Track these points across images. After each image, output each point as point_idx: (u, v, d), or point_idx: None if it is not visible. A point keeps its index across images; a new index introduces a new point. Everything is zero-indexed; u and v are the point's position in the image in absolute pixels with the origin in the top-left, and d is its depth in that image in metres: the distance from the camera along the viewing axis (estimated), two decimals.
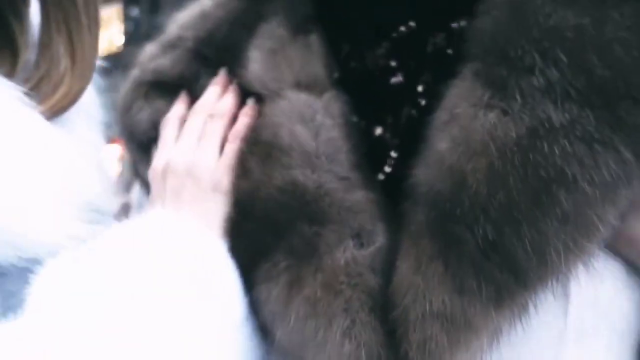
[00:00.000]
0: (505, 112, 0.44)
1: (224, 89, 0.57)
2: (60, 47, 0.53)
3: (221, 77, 0.57)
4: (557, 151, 0.42)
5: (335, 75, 0.54)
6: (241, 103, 0.56)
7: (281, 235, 0.48)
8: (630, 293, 0.48)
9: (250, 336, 0.50)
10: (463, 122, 0.45)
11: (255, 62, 0.55)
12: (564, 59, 0.44)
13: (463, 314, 0.43)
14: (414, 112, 0.51)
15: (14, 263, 0.46)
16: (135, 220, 0.51)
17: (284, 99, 0.52)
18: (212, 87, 0.57)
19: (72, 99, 0.53)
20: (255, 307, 0.49)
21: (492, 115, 0.44)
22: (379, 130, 0.52)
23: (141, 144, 0.59)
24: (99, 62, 0.57)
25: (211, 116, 0.55)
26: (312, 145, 0.50)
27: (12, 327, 0.44)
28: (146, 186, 0.59)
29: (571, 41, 0.44)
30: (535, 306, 0.44)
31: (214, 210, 0.52)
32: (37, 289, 0.46)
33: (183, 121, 0.57)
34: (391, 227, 0.48)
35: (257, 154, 0.51)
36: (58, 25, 0.52)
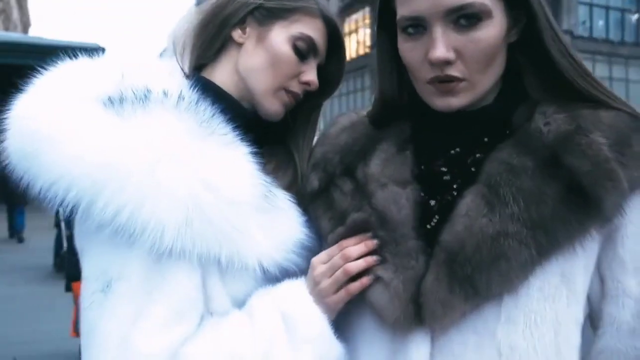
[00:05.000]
0: (490, 220, 0.89)
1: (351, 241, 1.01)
2: None
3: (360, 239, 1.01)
4: (506, 244, 0.87)
5: (415, 173, 1.01)
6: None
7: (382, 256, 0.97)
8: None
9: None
10: (471, 219, 0.90)
11: (375, 166, 1.04)
12: (522, 203, 0.89)
13: (450, 302, 0.88)
14: (449, 197, 0.97)
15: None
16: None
17: (388, 188, 1.00)
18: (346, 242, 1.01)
19: None
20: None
21: (484, 220, 0.90)
22: (432, 203, 0.99)
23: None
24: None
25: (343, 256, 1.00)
26: (398, 217, 0.97)
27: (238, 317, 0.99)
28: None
29: (526, 195, 0.89)
30: (483, 306, 0.89)
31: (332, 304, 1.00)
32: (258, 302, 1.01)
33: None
34: (425, 258, 0.94)
35: (374, 214, 1.00)
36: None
